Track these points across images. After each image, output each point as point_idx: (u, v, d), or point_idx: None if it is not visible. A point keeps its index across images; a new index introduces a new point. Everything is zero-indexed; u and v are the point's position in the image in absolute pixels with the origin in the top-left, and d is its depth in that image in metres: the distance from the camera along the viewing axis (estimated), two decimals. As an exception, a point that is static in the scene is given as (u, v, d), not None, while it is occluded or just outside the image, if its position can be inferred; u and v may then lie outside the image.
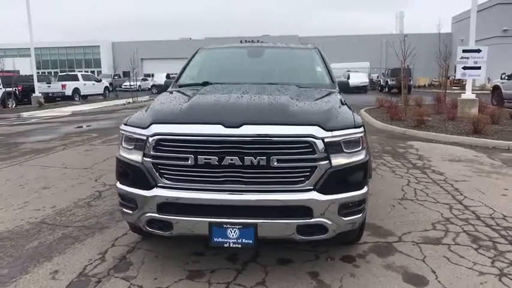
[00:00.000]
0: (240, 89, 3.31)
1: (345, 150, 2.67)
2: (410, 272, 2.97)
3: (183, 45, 47.06)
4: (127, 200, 2.86)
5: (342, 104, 3.24)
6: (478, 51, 11.99)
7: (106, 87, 27.87)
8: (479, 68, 12.04)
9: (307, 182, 2.59)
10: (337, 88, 3.90)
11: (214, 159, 2.55)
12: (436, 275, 2.90)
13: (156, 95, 7.74)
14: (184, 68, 4.28)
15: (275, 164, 2.54)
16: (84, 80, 25.69)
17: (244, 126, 2.55)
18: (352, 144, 2.71)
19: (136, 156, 2.77)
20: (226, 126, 2.56)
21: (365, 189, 2.78)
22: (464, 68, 12.15)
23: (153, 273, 2.96)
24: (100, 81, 27.98)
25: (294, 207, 2.59)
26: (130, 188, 2.82)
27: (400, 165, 6.38)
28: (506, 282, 2.82)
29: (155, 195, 2.66)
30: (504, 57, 27.11)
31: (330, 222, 2.63)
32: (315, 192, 2.59)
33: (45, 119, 15.06)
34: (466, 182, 5.40)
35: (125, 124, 2.93)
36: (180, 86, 4.00)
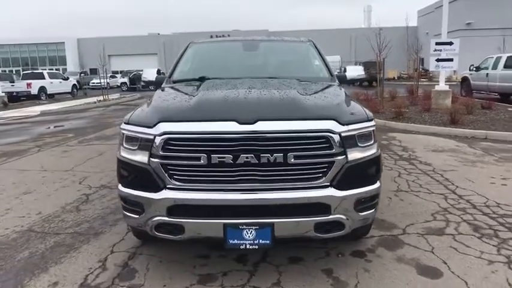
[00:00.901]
0: (244, 84, 3.19)
1: (359, 145, 2.62)
2: (423, 264, 2.97)
3: (151, 41, 46.09)
4: (132, 204, 2.69)
5: (348, 97, 3.19)
6: (450, 43, 12.34)
7: (74, 85, 26.75)
8: (451, 60, 12.40)
9: (324, 178, 2.51)
10: (337, 81, 3.84)
11: (228, 158, 2.43)
12: (448, 266, 2.92)
13: (147, 92, 7.40)
14: (177, 63, 4.10)
15: (292, 160, 2.45)
16: (50, 78, 24.53)
17: (259, 122, 2.44)
18: (365, 138, 2.67)
19: (141, 157, 2.60)
20: (240, 123, 2.43)
21: (378, 184, 2.74)
22: (438, 60, 12.47)
23: (161, 279, 2.81)
24: (67, 79, 26.81)
25: (311, 204, 2.51)
26: (135, 190, 2.65)
27: (387, 157, 6.45)
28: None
29: (164, 198, 2.51)
30: (468, 50, 28.19)
31: (346, 219, 2.58)
32: (332, 188, 2.53)
33: (13, 119, 14.26)
34: (455, 171, 5.52)
35: (127, 123, 2.74)
36: (175, 82, 3.82)
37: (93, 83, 34.51)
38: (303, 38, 4.64)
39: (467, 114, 10.28)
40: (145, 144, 2.58)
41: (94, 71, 33.98)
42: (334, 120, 2.53)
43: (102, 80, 22.50)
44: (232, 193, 2.48)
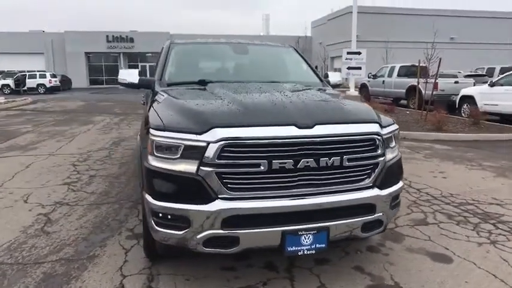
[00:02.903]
0: (267, 88, 3.14)
1: (390, 146, 2.81)
2: (431, 251, 3.29)
3: (34, 39, 40.86)
4: (172, 219, 2.43)
5: None
6: (359, 53, 13.77)
7: None
8: (360, 68, 13.83)
9: (369, 179, 2.63)
10: (329, 86, 4.02)
11: (289, 163, 2.37)
12: (452, 251, 3.29)
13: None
14: (164, 65, 3.78)
15: (346, 163, 2.51)
16: None
17: (316, 126, 2.44)
18: (394, 139, 2.87)
19: (186, 166, 2.37)
20: (299, 127, 2.40)
21: (402, 182, 2.97)
22: (349, 68, 13.81)
23: (202, 298, 2.59)
24: None
25: (360, 205, 2.60)
26: (177, 204, 2.40)
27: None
28: (500, 247, 3.38)
29: (220, 209, 2.33)
30: (357, 60, 31.73)
31: (385, 216, 2.74)
32: (376, 188, 2.66)
33: None
34: (400, 168, 6.19)
35: (160, 129, 2.45)
36: (170, 85, 3.53)
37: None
38: (284, 44, 4.72)
39: (380, 117, 11.55)
40: (193, 152, 2.36)
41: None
42: (377, 123, 2.67)
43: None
44: (291, 199, 2.43)
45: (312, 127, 2.42)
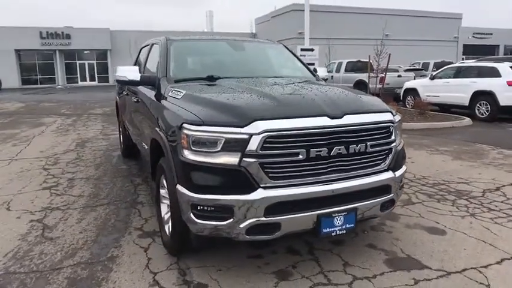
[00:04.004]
0: (280, 82, 3.29)
1: (398, 132, 3.11)
2: (426, 226, 3.68)
3: None
4: (216, 211, 2.51)
5: None
6: (312, 50, 14.32)
7: None
8: (313, 64, 14.37)
9: (385, 163, 2.90)
10: (323, 80, 4.26)
11: (324, 151, 2.56)
12: (443, 225, 3.71)
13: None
14: (166, 62, 3.74)
15: (369, 149, 2.75)
16: None
17: (345, 116, 2.65)
18: (400, 127, 3.18)
19: (228, 159, 2.47)
20: (331, 118, 2.60)
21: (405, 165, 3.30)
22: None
23: (242, 286, 2.69)
24: None
25: (380, 186, 2.86)
26: (220, 195, 2.48)
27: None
28: (479, 218, 3.87)
29: (264, 197, 2.46)
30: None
31: (396, 196, 3.04)
32: (390, 171, 2.94)
33: None
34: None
35: (198, 124, 2.51)
36: (176, 82, 3.54)
37: None
38: (274, 41, 4.88)
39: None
40: (233, 145, 2.45)
41: None
42: (390, 112, 2.95)
43: None
44: (324, 184, 2.62)
45: (341, 117, 2.63)
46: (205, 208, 2.53)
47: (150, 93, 3.74)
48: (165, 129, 2.88)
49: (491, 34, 42.32)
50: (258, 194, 2.46)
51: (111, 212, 4.11)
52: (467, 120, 10.38)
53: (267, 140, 2.44)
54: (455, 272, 2.86)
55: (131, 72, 3.74)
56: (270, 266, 2.96)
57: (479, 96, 10.77)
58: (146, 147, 3.81)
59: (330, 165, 2.62)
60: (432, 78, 12.68)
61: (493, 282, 2.71)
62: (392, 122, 2.90)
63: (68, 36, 37.93)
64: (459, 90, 11.38)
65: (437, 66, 18.03)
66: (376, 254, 3.15)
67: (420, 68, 19.15)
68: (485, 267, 2.93)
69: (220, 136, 2.47)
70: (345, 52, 26.16)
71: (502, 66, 10.47)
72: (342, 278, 2.79)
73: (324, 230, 2.65)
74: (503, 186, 4.91)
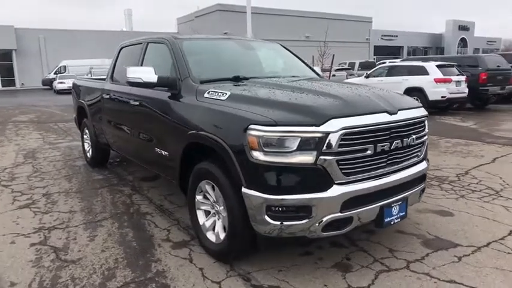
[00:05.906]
0: (312, 81, 3.38)
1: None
2: (433, 209, 4.06)
3: None
4: (292, 210, 2.51)
5: None
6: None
7: None
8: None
9: (421, 154, 3.17)
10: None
11: (387, 145, 2.71)
12: (446, 207, 4.12)
13: None
14: (184, 62, 3.54)
15: (414, 141, 2.97)
16: None
17: (399, 112, 2.83)
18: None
19: (303, 158, 2.48)
20: (390, 114, 2.75)
21: None
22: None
23: (311, 281, 2.72)
24: None
25: (420, 176, 3.11)
26: (297, 195, 2.49)
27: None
28: (470, 199, 4.38)
29: (341, 193, 2.53)
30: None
31: (425, 184, 3.33)
32: (424, 161, 3.22)
33: None
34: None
35: (271, 125, 2.47)
36: (202, 83, 3.39)
37: None
38: (271, 41, 4.89)
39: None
40: (310, 144, 2.47)
41: None
42: (423, 107, 3.22)
43: None
44: (387, 176, 2.77)
45: (396, 113, 2.80)
46: (281, 209, 2.51)
47: (162, 95, 3.55)
48: (223, 131, 2.76)
49: (396, 36, 47.18)
50: (336, 190, 2.52)
51: (122, 226, 3.78)
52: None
53: (343, 137, 2.51)
54: (483, 246, 3.23)
55: (146, 74, 3.50)
56: (326, 260, 3.03)
57: (411, 92, 11.96)
58: (165, 153, 3.59)
59: (388, 158, 2.78)
60: (367, 76, 13.77)
61: (517, 251, 3.13)
62: (427, 117, 3.17)
63: (-36, 35, 33.25)
64: (393, 88, 12.47)
65: (362, 66, 19.57)
66: (409, 238, 3.40)
67: (348, 67, 20.60)
68: (502, 239, 3.35)
69: (296, 135, 2.46)
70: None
71: (429, 65, 11.80)
72: (396, 263, 2.97)
73: (386, 220, 2.80)
74: (470, 169, 5.60)
